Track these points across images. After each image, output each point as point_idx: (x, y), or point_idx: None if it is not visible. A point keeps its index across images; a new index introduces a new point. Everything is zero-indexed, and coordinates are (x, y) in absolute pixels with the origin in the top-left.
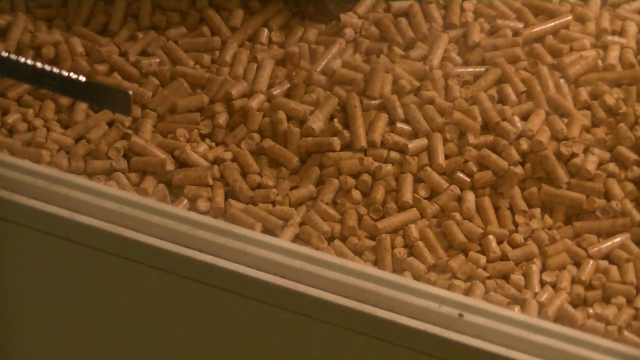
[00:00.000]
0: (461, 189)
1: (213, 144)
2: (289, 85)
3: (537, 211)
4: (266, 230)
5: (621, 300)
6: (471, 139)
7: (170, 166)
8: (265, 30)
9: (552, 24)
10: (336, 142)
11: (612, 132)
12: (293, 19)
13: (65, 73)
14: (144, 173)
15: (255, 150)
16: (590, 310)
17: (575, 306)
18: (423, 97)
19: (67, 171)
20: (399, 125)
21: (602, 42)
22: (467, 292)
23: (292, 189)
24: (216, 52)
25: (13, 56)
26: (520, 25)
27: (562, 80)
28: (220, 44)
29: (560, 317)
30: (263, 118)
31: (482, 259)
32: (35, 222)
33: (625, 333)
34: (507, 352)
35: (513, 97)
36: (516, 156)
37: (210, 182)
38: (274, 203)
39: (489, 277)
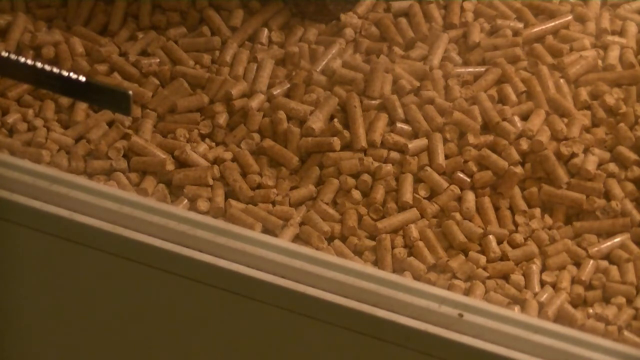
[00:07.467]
0: (461, 189)
1: (213, 144)
2: (289, 85)
3: (537, 211)
4: (266, 230)
5: (621, 300)
6: (471, 139)
7: (170, 166)
8: (265, 30)
9: (552, 24)
10: (336, 142)
11: (612, 132)
12: (293, 19)
13: (65, 73)
14: (144, 173)
15: (255, 150)
16: (590, 310)
17: (575, 306)
18: (423, 97)
19: (67, 171)
20: (399, 125)
21: (602, 42)
22: (467, 292)
23: (292, 189)
24: (216, 52)
25: (13, 56)
26: (520, 25)
27: (562, 80)
28: (220, 44)
29: (560, 317)
30: (263, 118)
31: (482, 259)
32: (35, 222)
33: (625, 333)
34: (507, 352)
35: (513, 97)
36: (516, 156)
37: (210, 182)
38: (274, 203)
39: (489, 277)
